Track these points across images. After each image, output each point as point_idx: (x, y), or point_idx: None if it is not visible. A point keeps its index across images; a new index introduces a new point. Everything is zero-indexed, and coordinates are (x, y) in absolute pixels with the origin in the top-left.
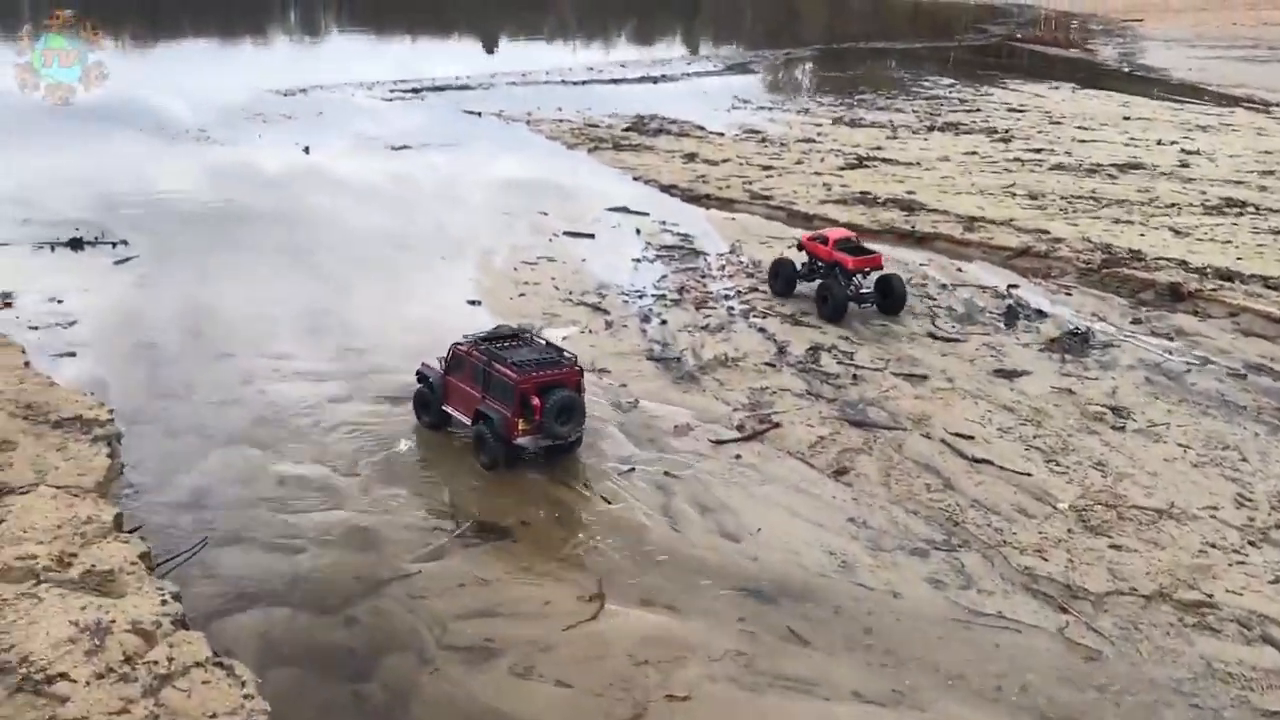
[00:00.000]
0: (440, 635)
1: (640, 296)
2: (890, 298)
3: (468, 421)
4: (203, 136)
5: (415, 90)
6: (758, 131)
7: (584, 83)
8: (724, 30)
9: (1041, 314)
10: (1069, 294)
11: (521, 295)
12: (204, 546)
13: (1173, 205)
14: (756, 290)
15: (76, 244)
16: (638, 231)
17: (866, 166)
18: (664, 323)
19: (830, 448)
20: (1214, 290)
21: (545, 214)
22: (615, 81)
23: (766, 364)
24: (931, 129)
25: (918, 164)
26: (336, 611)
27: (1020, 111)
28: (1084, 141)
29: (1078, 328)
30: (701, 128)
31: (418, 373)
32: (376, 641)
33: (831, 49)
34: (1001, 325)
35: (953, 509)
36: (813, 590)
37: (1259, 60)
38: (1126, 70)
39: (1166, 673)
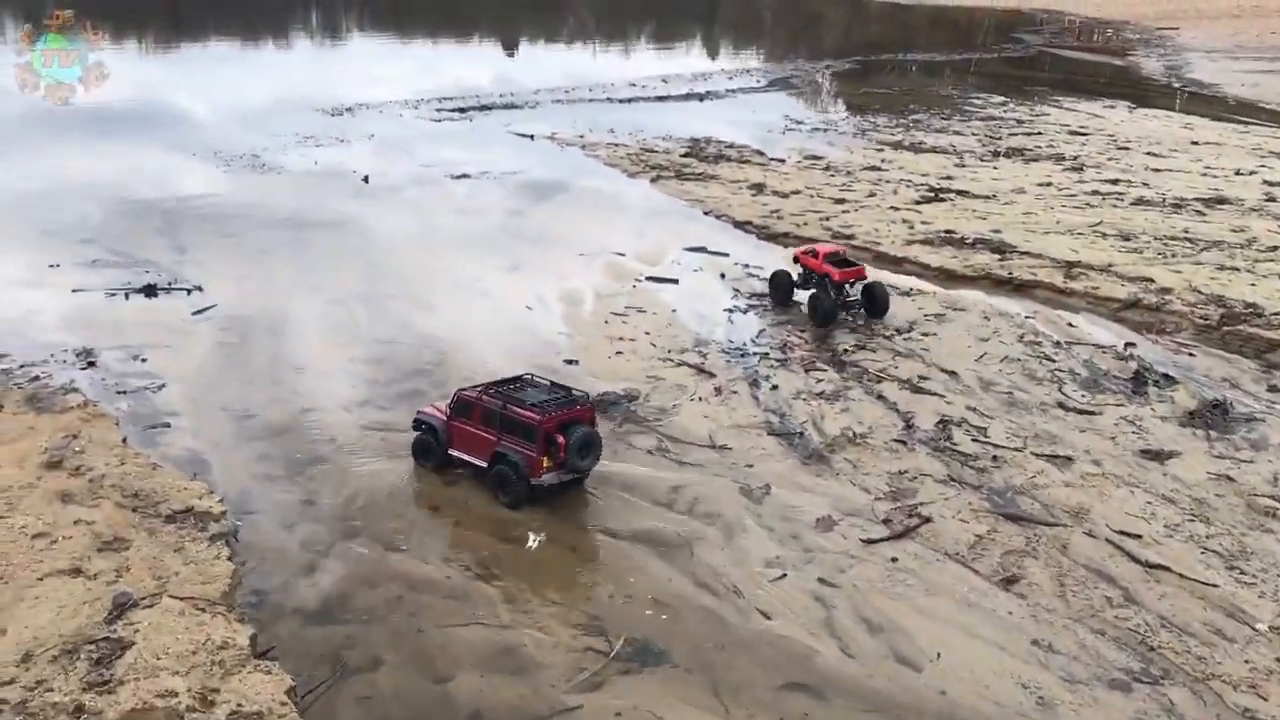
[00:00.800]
0: None
1: (742, 355)
2: (875, 304)
3: (480, 464)
4: (257, 163)
5: (461, 109)
6: (819, 158)
7: (629, 100)
8: (746, 35)
9: (1170, 380)
10: (1191, 355)
11: (619, 353)
12: (343, 673)
13: (1275, 249)
14: (864, 348)
15: (150, 291)
16: (722, 276)
17: (942, 199)
18: (775, 388)
19: (991, 549)
20: None
21: (621, 254)
22: (660, 99)
23: (896, 440)
24: (997, 154)
25: (994, 197)
26: None
27: (1083, 135)
28: (1158, 171)
29: (1217, 400)
30: (761, 153)
31: (415, 420)
32: None
33: (870, 61)
34: (1131, 393)
35: (1142, 629)
36: None
37: None
38: (1177, 86)
39: None
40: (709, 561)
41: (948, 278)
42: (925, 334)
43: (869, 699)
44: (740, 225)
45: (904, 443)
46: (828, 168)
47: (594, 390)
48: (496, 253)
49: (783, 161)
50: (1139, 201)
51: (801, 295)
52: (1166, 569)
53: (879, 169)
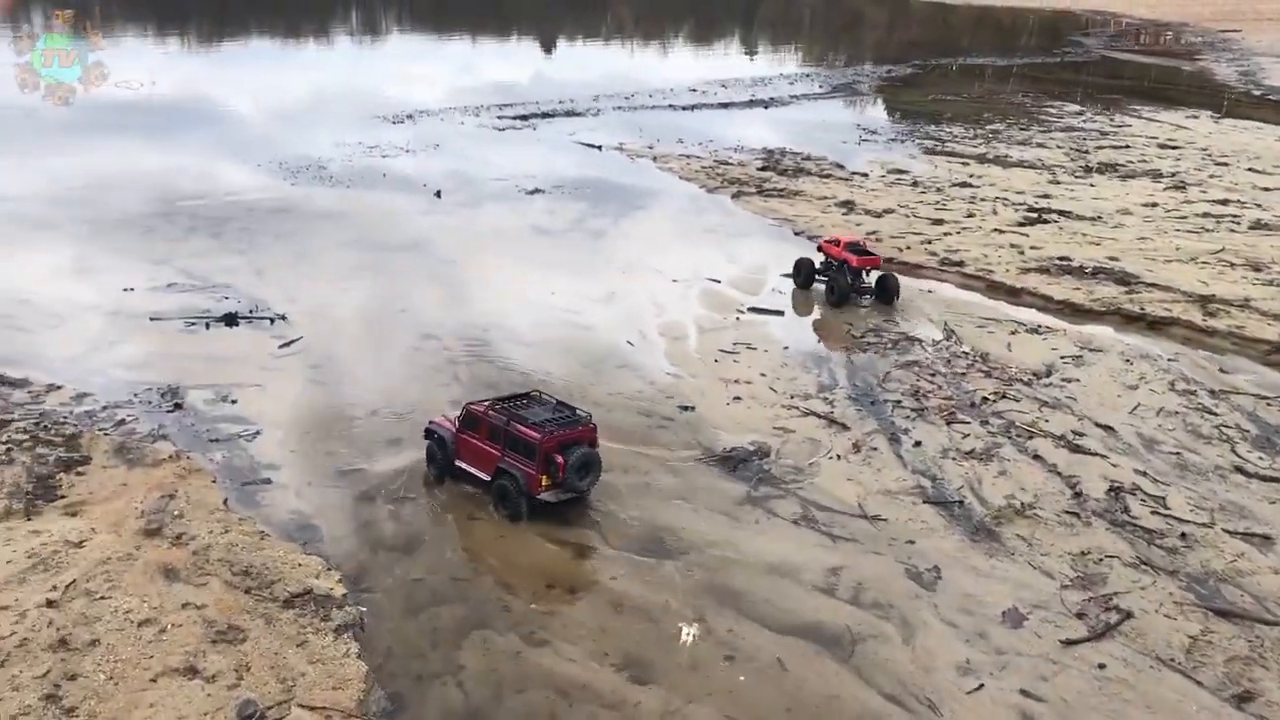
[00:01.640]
0: None
1: (872, 402)
2: (886, 292)
3: (484, 477)
4: (324, 175)
5: (523, 117)
6: (904, 172)
7: (692, 108)
8: (791, 35)
9: None
10: None
11: (737, 399)
12: None
13: None
14: (1005, 395)
15: (231, 319)
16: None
17: (1046, 221)
18: (918, 444)
19: (1210, 654)
20: None
21: (716, 281)
22: (724, 106)
23: (1068, 513)
24: (1089, 170)
25: (1099, 219)
26: None
27: (1173, 148)
28: (1267, 190)
29: None
30: (840, 166)
31: (426, 430)
32: None
33: (931, 65)
34: None
35: None
36: None
37: None
38: (1258, 94)
39: None
40: (890, 665)
41: (1073, 312)
42: (1067, 380)
43: None
44: None
45: (1077, 515)
46: (915, 183)
47: (719, 444)
48: (587, 279)
49: (865, 176)
50: (1257, 225)
51: (821, 285)
52: None
53: (969, 185)
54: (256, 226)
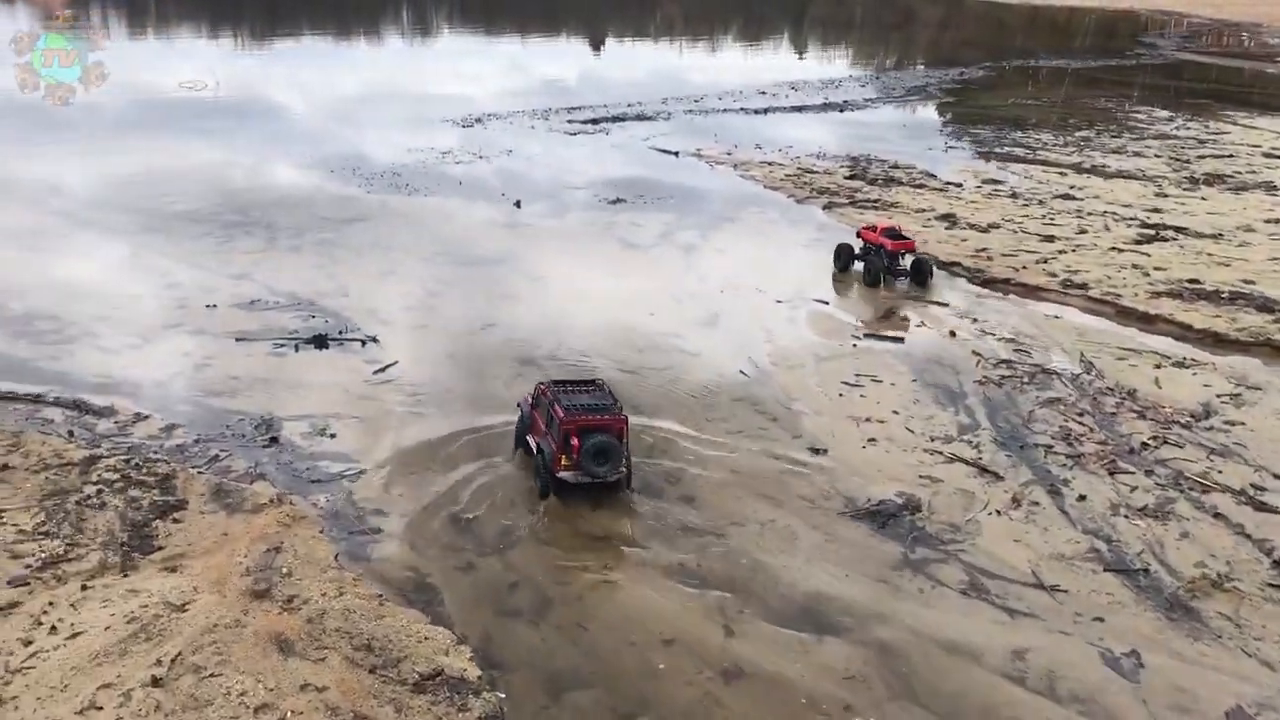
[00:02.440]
0: None
1: (1020, 446)
2: (920, 274)
3: (534, 450)
4: (400, 183)
5: (593, 121)
6: (999, 182)
7: (764, 111)
8: (846, 34)
9: None
10: None
11: (872, 441)
12: None
13: None
14: (1165, 440)
15: (321, 341)
16: (952, 334)
17: (1164, 239)
18: (1083, 498)
19: None
20: None
21: (824, 302)
22: (798, 109)
23: (1271, 585)
24: (1195, 181)
25: (1221, 236)
26: None
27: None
28: None
29: None
30: (932, 175)
31: (519, 404)
32: None
33: (1003, 68)
34: None
35: None
36: None
37: None
38: None
39: None
40: None
41: (1215, 342)
42: (1230, 422)
43: None
44: (945, 267)
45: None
46: (1014, 195)
47: (862, 495)
48: (685, 299)
49: (960, 186)
50: None
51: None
52: None
53: (1072, 197)
54: (336, 238)
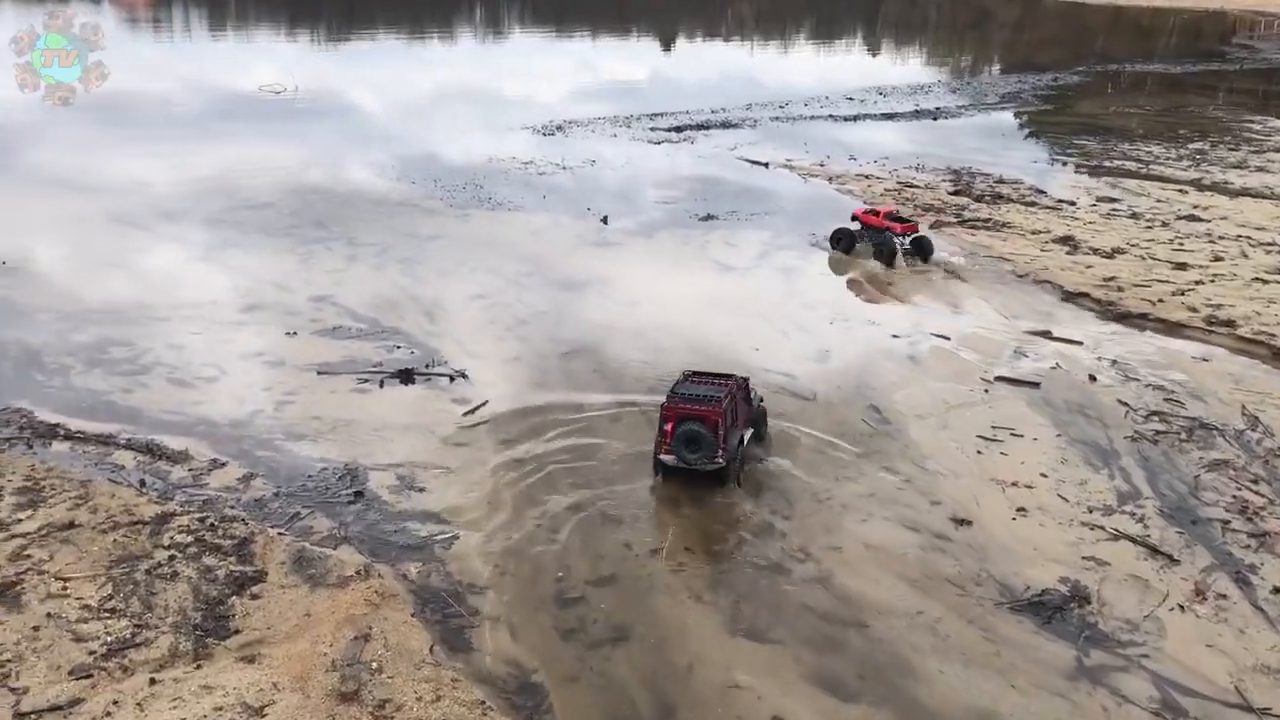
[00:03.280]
0: None
1: (1192, 521)
2: (922, 250)
3: None
4: (482, 195)
5: (677, 129)
6: (1115, 200)
7: (854, 118)
8: (921, 37)
9: None
10: None
11: (1022, 512)
12: None
13: None
14: None
15: (408, 377)
16: (1092, 379)
17: None
18: (1277, 590)
19: None
20: None
21: (944, 338)
22: (888, 117)
23: None
24: None
25: None
26: None
27: None
28: None
29: None
30: (1041, 191)
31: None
32: None
33: (1097, 72)
34: None
35: None
36: None
37: None
38: None
39: None
40: None
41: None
42: None
43: None
44: (1072, 298)
45: None
46: (1134, 215)
47: (1020, 581)
48: (791, 332)
49: (1074, 204)
50: None
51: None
52: None
53: (1198, 219)
54: (418, 256)
